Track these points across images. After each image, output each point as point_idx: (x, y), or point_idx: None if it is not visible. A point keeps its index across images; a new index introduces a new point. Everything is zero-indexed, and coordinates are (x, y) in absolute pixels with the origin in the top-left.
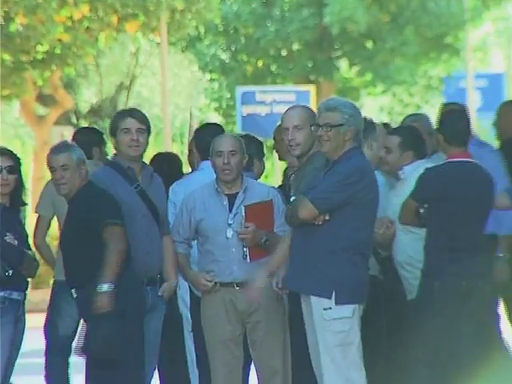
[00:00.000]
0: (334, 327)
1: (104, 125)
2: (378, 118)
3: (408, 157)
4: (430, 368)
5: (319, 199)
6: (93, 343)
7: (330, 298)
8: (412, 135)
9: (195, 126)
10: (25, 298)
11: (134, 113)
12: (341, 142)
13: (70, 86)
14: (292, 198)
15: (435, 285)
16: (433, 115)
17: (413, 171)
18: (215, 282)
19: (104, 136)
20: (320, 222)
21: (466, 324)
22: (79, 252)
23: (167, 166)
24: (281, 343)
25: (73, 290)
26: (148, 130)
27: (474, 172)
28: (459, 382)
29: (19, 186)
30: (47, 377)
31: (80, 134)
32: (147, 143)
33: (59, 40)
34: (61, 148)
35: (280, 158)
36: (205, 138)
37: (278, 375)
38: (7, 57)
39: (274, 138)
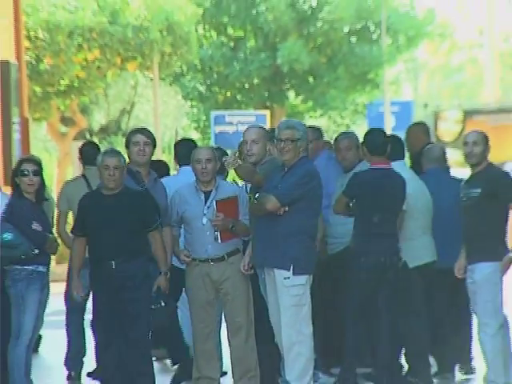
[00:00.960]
0: (292, 292)
1: (110, 140)
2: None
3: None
4: (354, 320)
5: (281, 195)
6: None
7: (288, 269)
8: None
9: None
10: (48, 271)
11: (142, 131)
12: (297, 152)
13: (84, 110)
14: (257, 195)
15: (361, 260)
16: (359, 133)
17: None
18: (194, 259)
19: (100, 149)
20: (281, 213)
21: (384, 289)
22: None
23: (158, 170)
24: (245, 305)
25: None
26: (153, 144)
27: (389, 175)
28: (376, 329)
29: (42, 186)
30: (67, 330)
31: (85, 146)
32: (152, 153)
33: (77, 76)
34: (114, 152)
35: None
36: (181, 149)
37: (243, 328)
38: (38, 88)
39: (239, 150)
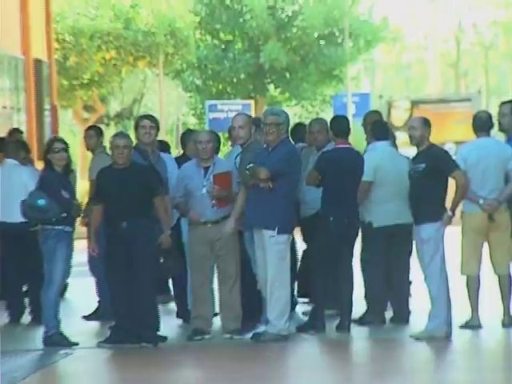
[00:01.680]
0: (276, 248)
1: (124, 124)
2: (293, 120)
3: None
4: (322, 269)
5: (270, 167)
6: None
7: (274, 229)
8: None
9: (180, 124)
10: (73, 230)
11: (148, 116)
12: (280, 134)
13: (103, 100)
14: (249, 166)
15: (330, 220)
16: (327, 119)
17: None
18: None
19: (103, 131)
20: (270, 186)
21: (346, 243)
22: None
23: (161, 148)
24: (234, 259)
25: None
26: (157, 127)
27: (351, 153)
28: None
29: (69, 161)
30: (97, 282)
31: (90, 129)
32: (156, 135)
33: (97, 72)
34: (122, 135)
35: (232, 145)
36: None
37: (231, 278)
38: (65, 82)
39: (229, 133)
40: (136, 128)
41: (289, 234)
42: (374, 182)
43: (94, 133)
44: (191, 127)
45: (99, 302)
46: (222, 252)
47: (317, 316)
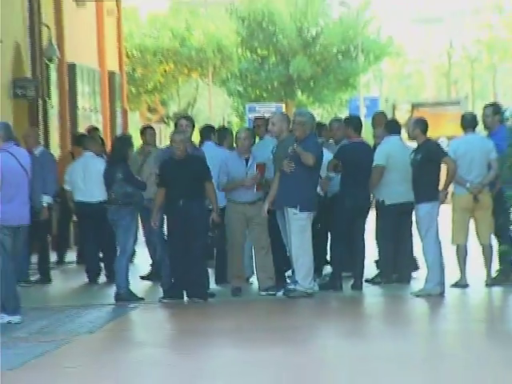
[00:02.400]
0: (298, 223)
1: None
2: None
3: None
4: (340, 240)
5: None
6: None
7: (296, 208)
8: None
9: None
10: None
11: (185, 116)
12: (305, 131)
13: (163, 103)
14: (292, 149)
15: (346, 201)
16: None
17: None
18: (235, 201)
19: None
20: (291, 170)
21: (359, 220)
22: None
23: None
24: (266, 233)
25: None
26: (192, 125)
27: (364, 146)
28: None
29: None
30: (152, 250)
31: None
32: (192, 132)
33: (158, 81)
34: (180, 132)
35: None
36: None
37: (265, 249)
38: (133, 89)
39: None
40: (176, 126)
41: (309, 212)
42: (386, 167)
43: (154, 131)
44: (234, 125)
45: (152, 265)
46: (258, 227)
47: (336, 277)
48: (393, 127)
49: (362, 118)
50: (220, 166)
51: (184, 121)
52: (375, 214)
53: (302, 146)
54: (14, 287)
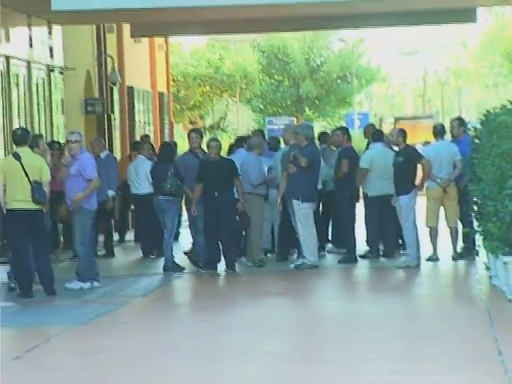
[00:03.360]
0: (302, 212)
1: (214, 132)
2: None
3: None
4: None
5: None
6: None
7: (299, 199)
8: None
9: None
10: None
11: (195, 130)
12: (302, 140)
13: (201, 117)
14: (293, 154)
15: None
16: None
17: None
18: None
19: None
20: (293, 171)
21: (352, 206)
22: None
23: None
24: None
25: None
26: (201, 136)
27: (352, 150)
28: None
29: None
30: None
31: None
32: (201, 142)
33: (197, 100)
34: (214, 139)
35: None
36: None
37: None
38: (177, 106)
39: (282, 137)
40: (188, 138)
41: (310, 203)
42: (370, 168)
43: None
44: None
45: (193, 243)
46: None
47: (352, 253)
48: (377, 136)
49: (356, 129)
50: (258, 168)
51: (193, 134)
52: (363, 203)
53: (302, 151)
54: (92, 260)
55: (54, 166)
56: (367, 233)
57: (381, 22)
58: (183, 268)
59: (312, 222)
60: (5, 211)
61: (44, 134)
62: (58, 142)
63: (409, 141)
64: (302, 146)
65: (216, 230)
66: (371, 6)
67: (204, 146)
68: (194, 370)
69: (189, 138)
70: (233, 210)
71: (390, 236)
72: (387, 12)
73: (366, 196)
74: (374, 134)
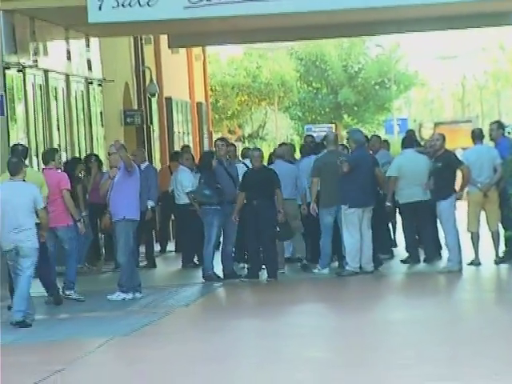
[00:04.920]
0: (348, 216)
1: (254, 141)
2: None
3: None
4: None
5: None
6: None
7: (346, 205)
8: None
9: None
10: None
11: (221, 139)
12: (352, 144)
13: (240, 126)
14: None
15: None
16: (382, 135)
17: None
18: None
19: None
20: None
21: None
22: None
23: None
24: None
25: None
26: (226, 145)
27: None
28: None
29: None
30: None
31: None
32: (226, 149)
33: (236, 109)
34: (256, 149)
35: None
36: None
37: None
38: (216, 115)
39: (322, 143)
40: (215, 146)
41: (356, 208)
42: (398, 175)
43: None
44: (296, 142)
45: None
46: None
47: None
48: (407, 142)
49: (396, 135)
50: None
51: (219, 142)
52: (398, 211)
53: (348, 156)
54: (134, 271)
55: (94, 178)
56: (405, 239)
57: (418, 26)
58: (222, 278)
59: (357, 228)
60: None
61: (84, 147)
62: (96, 155)
63: (448, 145)
64: (352, 150)
65: (257, 239)
66: (408, 12)
67: (239, 153)
68: (239, 378)
69: (215, 146)
70: (273, 219)
71: (428, 241)
72: (424, 17)
73: (397, 203)
74: (403, 141)
